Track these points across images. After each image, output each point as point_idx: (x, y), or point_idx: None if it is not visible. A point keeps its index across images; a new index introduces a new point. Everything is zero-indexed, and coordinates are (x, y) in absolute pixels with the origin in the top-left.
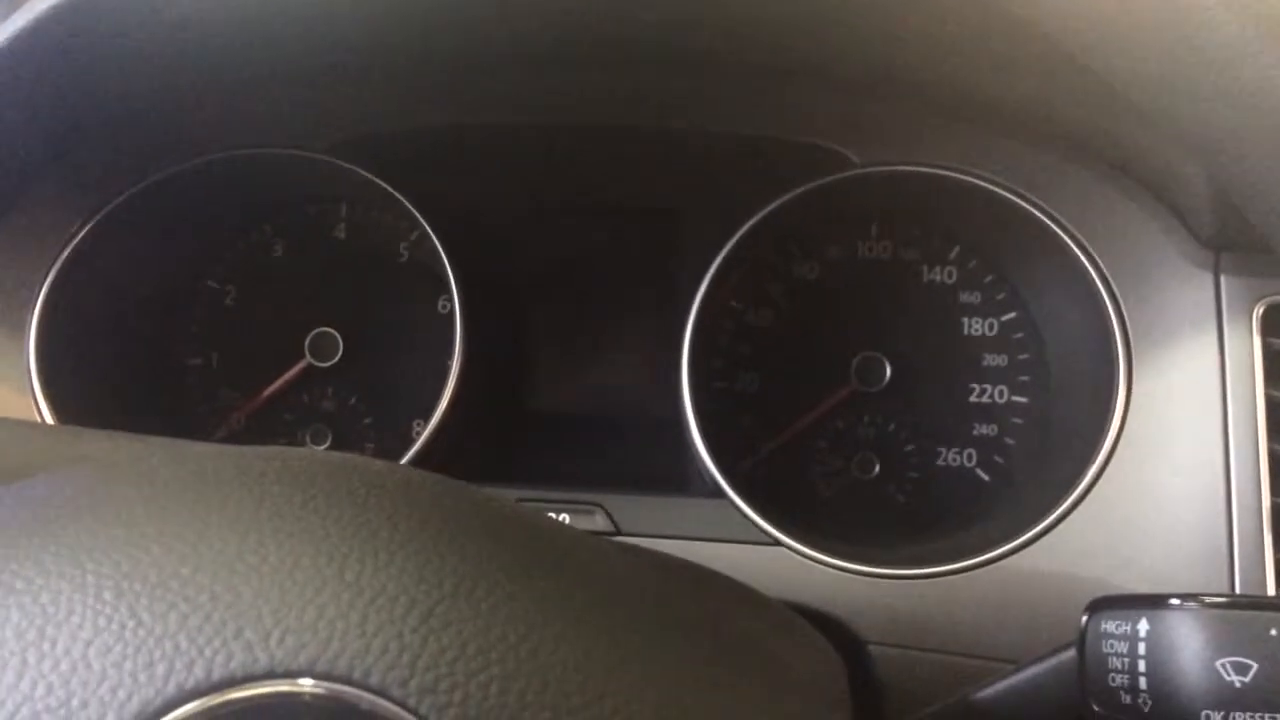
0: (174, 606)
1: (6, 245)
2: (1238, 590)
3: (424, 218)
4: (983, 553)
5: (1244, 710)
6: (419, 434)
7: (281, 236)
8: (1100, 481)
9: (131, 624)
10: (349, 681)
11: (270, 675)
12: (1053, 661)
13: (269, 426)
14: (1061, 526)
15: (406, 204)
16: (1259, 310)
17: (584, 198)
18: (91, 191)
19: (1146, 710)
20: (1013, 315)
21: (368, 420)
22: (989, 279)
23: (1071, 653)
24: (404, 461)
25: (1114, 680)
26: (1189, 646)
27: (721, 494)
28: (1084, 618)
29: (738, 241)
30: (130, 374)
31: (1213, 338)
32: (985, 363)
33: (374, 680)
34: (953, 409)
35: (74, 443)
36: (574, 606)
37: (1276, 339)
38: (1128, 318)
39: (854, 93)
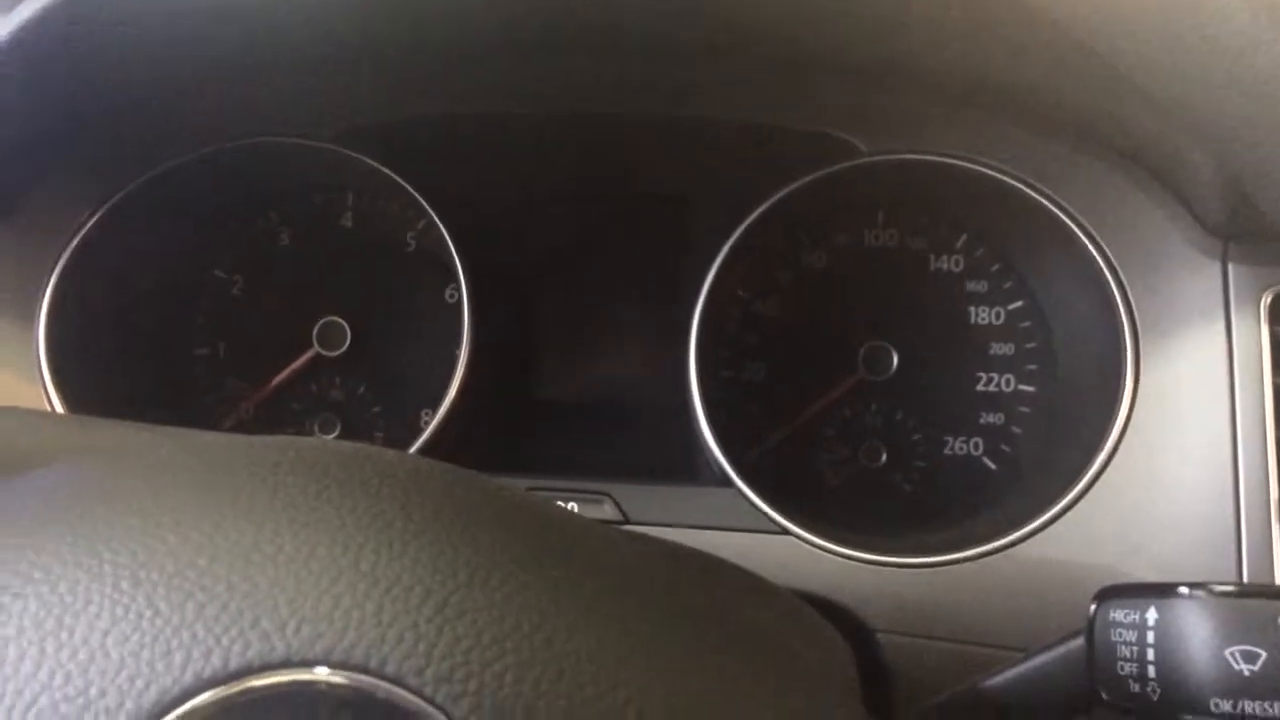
0: (191, 596)
1: (16, 236)
2: (1245, 579)
3: (431, 207)
4: (990, 541)
5: (1253, 698)
6: (427, 423)
7: (288, 226)
8: (1108, 470)
9: (149, 613)
10: (365, 670)
11: (287, 664)
12: (1061, 650)
13: (277, 416)
14: (1069, 515)
15: (413, 193)
16: (1267, 299)
17: (591, 186)
18: (99, 182)
19: (1155, 698)
20: (1020, 304)
21: (376, 409)
22: (996, 267)
23: (1080, 641)
24: (413, 451)
25: (1123, 669)
26: (1197, 635)
27: (729, 483)
28: (1092, 606)
29: (745, 230)
30: (138, 363)
31: (1220, 326)
32: (992, 351)
33: (390, 669)
34: (960, 398)
35: (87, 432)
36: (586, 595)
37: None
38: (1135, 306)
39: (861, 81)
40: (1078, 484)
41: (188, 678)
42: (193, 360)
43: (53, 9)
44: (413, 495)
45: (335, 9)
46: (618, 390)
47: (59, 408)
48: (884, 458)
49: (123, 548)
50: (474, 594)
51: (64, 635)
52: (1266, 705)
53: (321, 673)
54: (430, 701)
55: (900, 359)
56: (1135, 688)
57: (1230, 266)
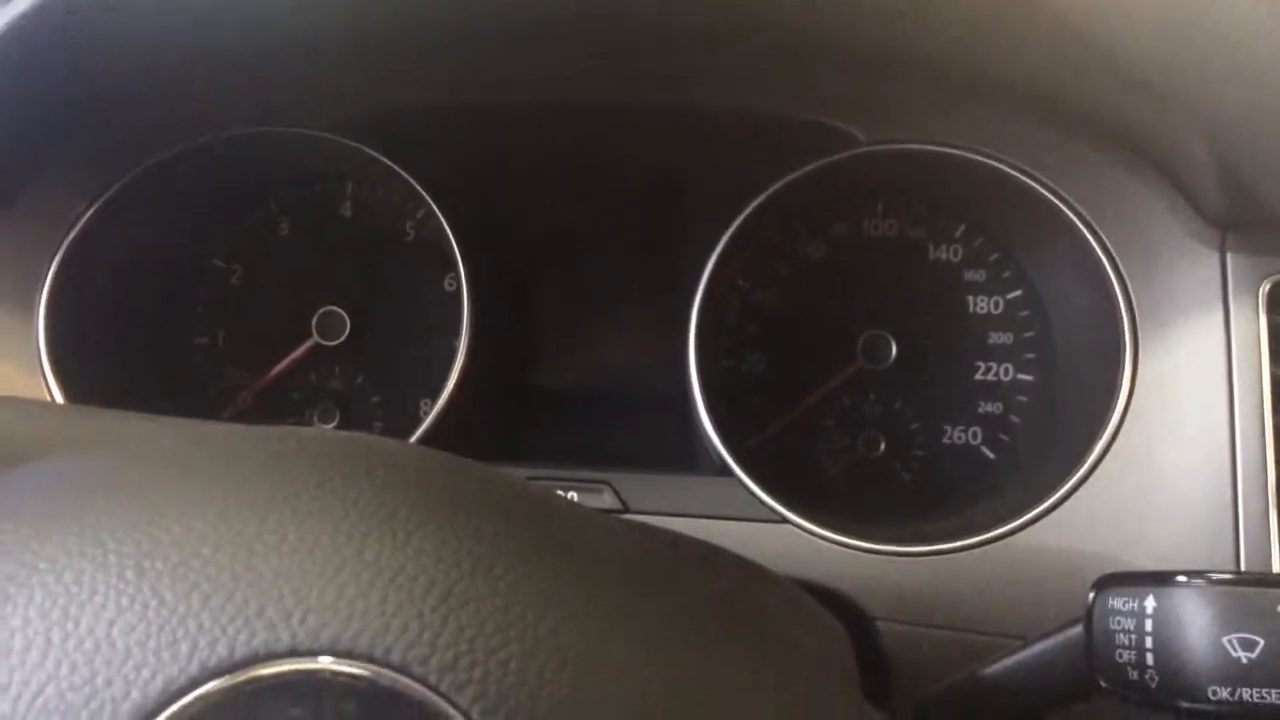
0: (196, 586)
1: (15, 227)
2: (1242, 566)
3: (430, 196)
4: (989, 530)
5: (1250, 686)
6: (427, 413)
7: (287, 215)
8: (1106, 459)
9: (154, 603)
10: (370, 659)
11: (292, 653)
12: (1060, 638)
13: (276, 405)
14: (1068, 504)
15: (412, 182)
16: (1265, 288)
17: (590, 176)
18: (98, 173)
19: (1153, 686)
20: (1018, 293)
21: (375, 399)
22: (994, 257)
23: (1078, 629)
24: (412, 440)
25: (1121, 656)
26: (1196, 623)
27: (729, 472)
28: (1091, 595)
29: (744, 220)
30: (138, 353)
31: (1218, 315)
32: (991, 341)
33: (395, 658)
34: (958, 387)
35: (89, 423)
36: (588, 585)
37: None
38: (1134, 295)
39: (860, 71)
40: (1076, 473)
41: (194, 667)
42: (192, 350)
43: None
44: (416, 485)
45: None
46: (617, 379)
47: (59, 398)
48: (883, 447)
49: (127, 538)
50: (477, 583)
51: (70, 625)
52: (1264, 692)
53: (326, 662)
54: (435, 690)
55: (899, 348)
56: (1134, 675)
57: (1228, 256)
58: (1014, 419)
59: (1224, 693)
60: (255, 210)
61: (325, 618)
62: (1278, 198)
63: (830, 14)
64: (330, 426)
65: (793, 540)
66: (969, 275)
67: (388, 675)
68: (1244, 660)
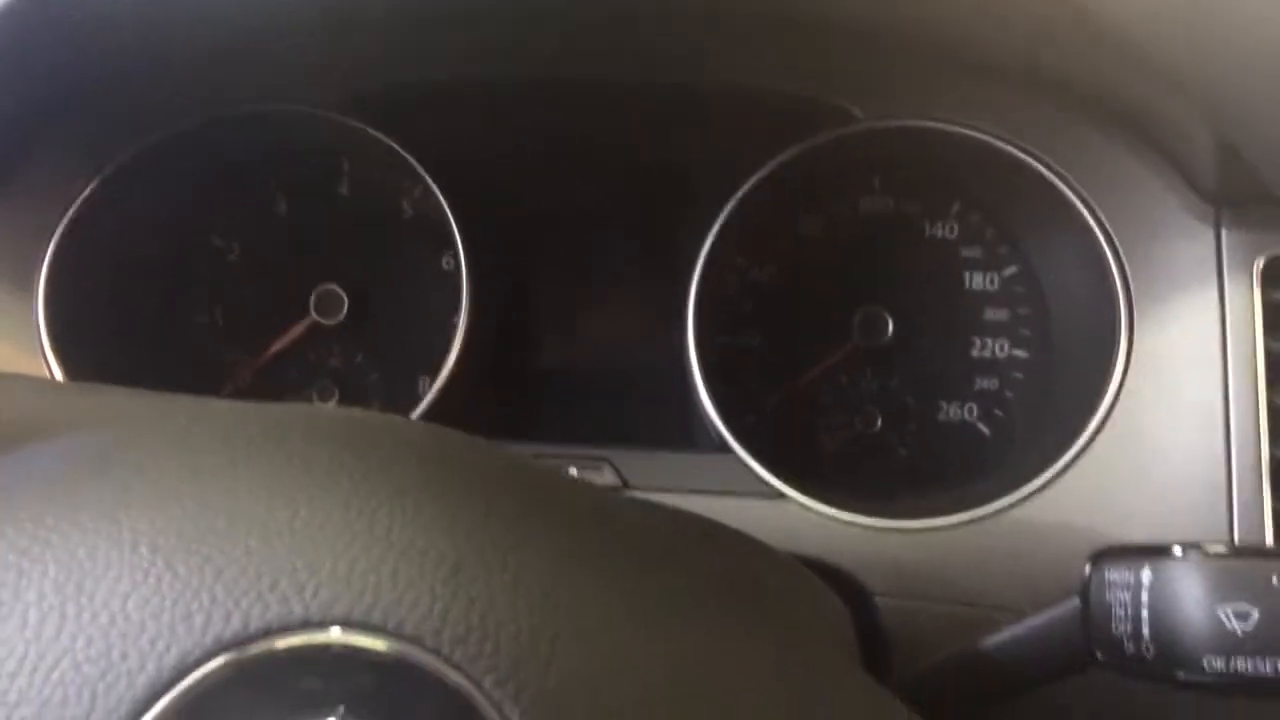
0: (209, 560)
1: (12, 207)
2: (1236, 540)
3: (428, 173)
4: (985, 504)
5: (1245, 655)
6: (425, 391)
7: (284, 193)
8: (1102, 434)
9: (168, 577)
10: (383, 632)
11: (306, 626)
12: (1057, 611)
13: (275, 384)
14: (1064, 478)
15: (410, 159)
16: (1259, 264)
17: (588, 154)
18: (95, 152)
19: (1149, 657)
20: (1014, 270)
21: (374, 377)
22: (990, 233)
23: (1075, 602)
24: (413, 417)
25: (1117, 628)
26: (1191, 595)
27: (727, 449)
28: (1087, 568)
29: (742, 196)
30: (137, 332)
31: (1213, 291)
32: (987, 317)
33: (407, 630)
34: (954, 363)
35: (98, 400)
36: (595, 559)
37: (1277, 292)
38: (1129, 272)
39: (857, 48)
40: (1071, 448)
41: (208, 640)
42: (190, 328)
43: None
44: (425, 461)
45: None
46: (616, 357)
47: (60, 378)
48: (879, 423)
49: (140, 513)
50: (487, 557)
51: (84, 599)
52: (1258, 662)
53: (339, 634)
54: (448, 661)
55: (896, 325)
56: (1130, 647)
57: (1224, 232)
58: (1009, 395)
59: (1219, 663)
60: (252, 189)
61: (337, 591)
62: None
63: None
64: (329, 404)
65: (791, 516)
66: (965, 252)
67: (400, 647)
68: (1239, 631)
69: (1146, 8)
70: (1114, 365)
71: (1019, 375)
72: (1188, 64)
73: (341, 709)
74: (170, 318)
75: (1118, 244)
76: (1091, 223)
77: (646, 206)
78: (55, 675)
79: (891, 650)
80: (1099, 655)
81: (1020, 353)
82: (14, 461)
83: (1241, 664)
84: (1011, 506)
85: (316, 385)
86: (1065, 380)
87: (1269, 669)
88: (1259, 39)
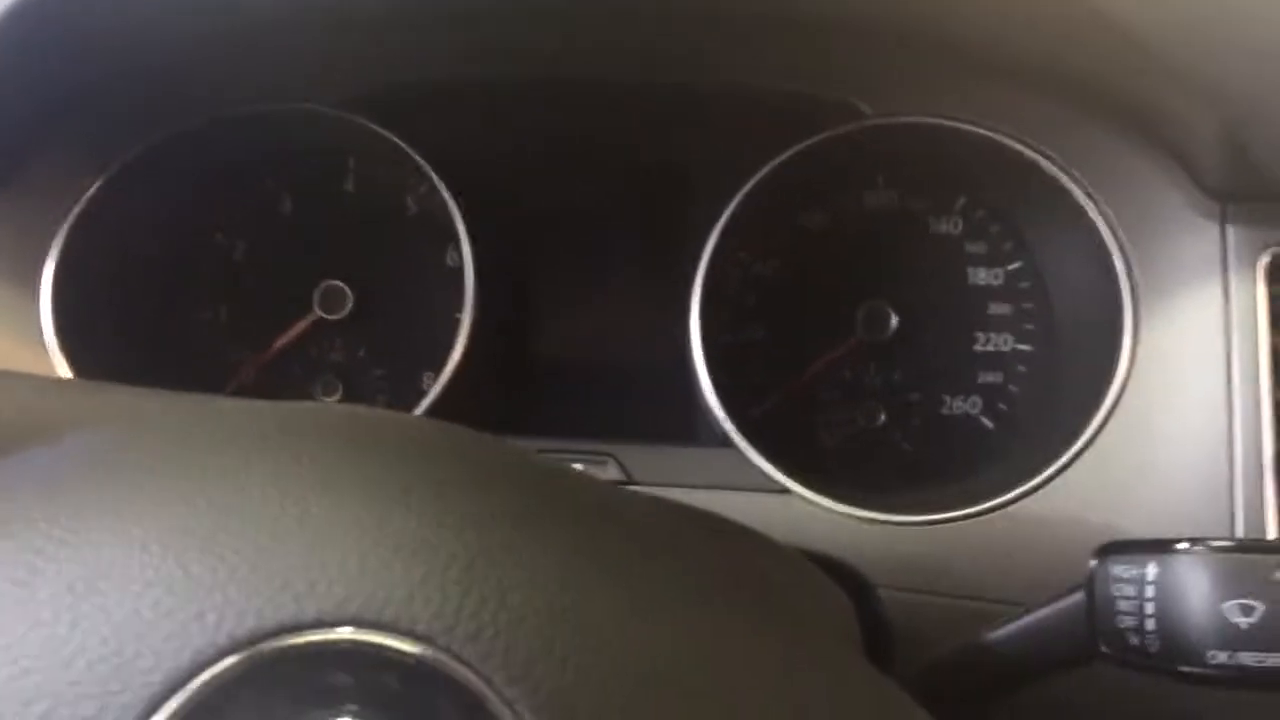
0: (222, 559)
1: (20, 204)
2: (1240, 534)
3: (432, 170)
4: (989, 499)
5: (1249, 650)
6: (429, 387)
7: (288, 190)
8: (1105, 429)
9: (180, 575)
10: (395, 630)
11: (318, 624)
12: (1061, 604)
13: (279, 380)
14: (1067, 473)
15: (415, 156)
16: (1264, 260)
17: (593, 151)
18: (100, 150)
19: (1154, 650)
20: (1018, 265)
21: (378, 373)
22: (995, 228)
23: (1080, 596)
24: (418, 414)
25: (1122, 622)
26: (1196, 589)
27: (730, 443)
28: (1093, 562)
29: (748, 192)
30: (142, 329)
31: (1218, 287)
32: (991, 311)
33: (420, 628)
34: (958, 358)
35: (106, 398)
36: (605, 555)
37: None
38: (1134, 267)
39: (864, 45)
40: (1075, 442)
41: (221, 638)
42: (195, 325)
43: None
44: (434, 458)
45: None
46: (619, 352)
47: (66, 374)
48: (883, 417)
49: (151, 512)
50: (498, 556)
51: (96, 598)
52: (1262, 656)
53: (351, 632)
54: (458, 658)
55: (899, 320)
56: (1135, 640)
57: (1228, 228)
58: (1013, 389)
59: (1223, 656)
60: (257, 187)
61: (349, 589)
62: None
63: None
64: (333, 400)
65: (795, 510)
66: (969, 247)
67: (412, 646)
68: (1243, 625)
69: (1154, 5)
70: (1118, 360)
71: (1023, 369)
72: (1194, 60)
73: (354, 708)
74: (175, 315)
75: (1122, 239)
76: (1096, 218)
77: (650, 203)
78: (69, 674)
79: (895, 643)
80: (1104, 648)
81: (1024, 347)
82: (24, 461)
83: (1245, 658)
84: (1015, 501)
85: (320, 381)
86: (1069, 375)
87: (1273, 662)
88: (1266, 35)
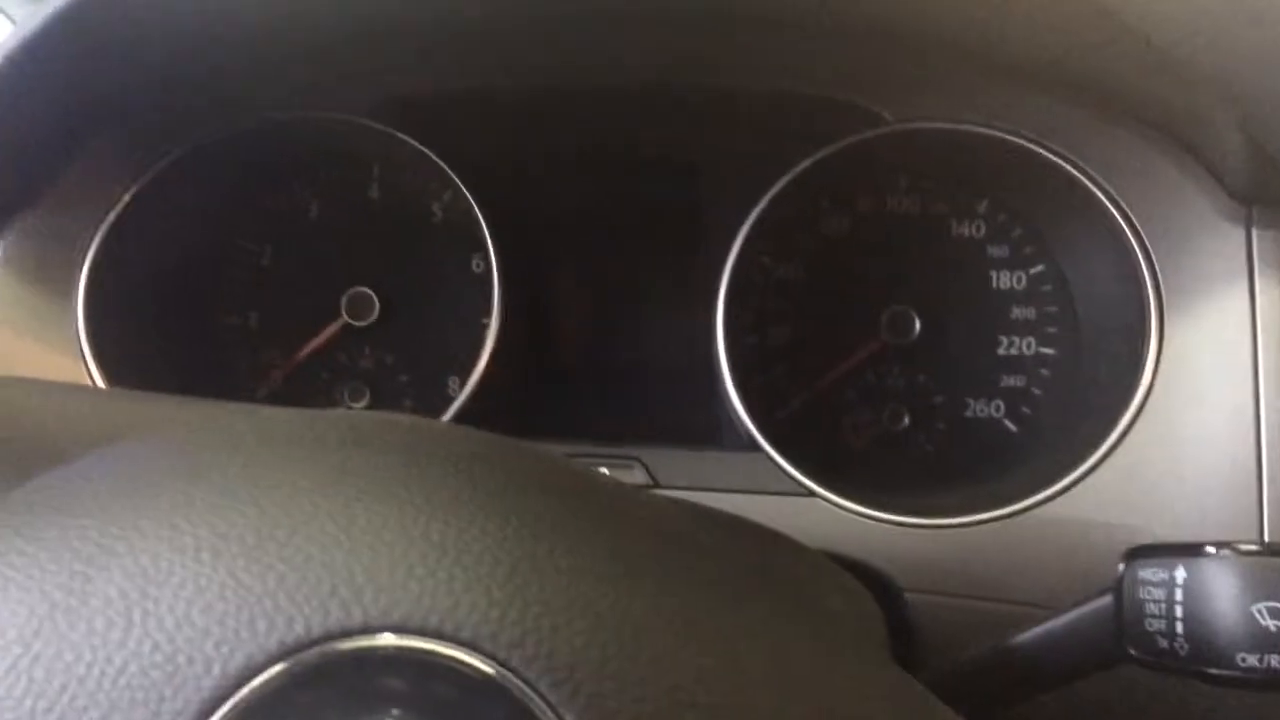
0: (271, 567)
1: (54, 211)
2: (1266, 538)
3: (457, 177)
4: (1015, 502)
5: (1278, 653)
6: (455, 392)
7: (316, 197)
8: (1132, 432)
9: (231, 583)
10: (440, 636)
11: (366, 630)
12: (1088, 607)
13: (307, 385)
14: (1093, 476)
15: (440, 163)
16: None
17: (615, 156)
18: (133, 159)
19: (1183, 654)
20: (1041, 268)
21: (404, 378)
22: (1018, 232)
23: (1108, 599)
24: (445, 420)
25: (1151, 625)
26: (1225, 593)
27: (756, 447)
28: (1121, 565)
29: (772, 198)
30: (173, 335)
31: (1244, 291)
32: (1014, 315)
33: (465, 634)
34: (981, 361)
35: (148, 408)
36: (643, 560)
37: None
38: (1159, 271)
39: (887, 51)
40: (1102, 445)
41: (271, 644)
42: (225, 330)
43: None
44: (474, 466)
45: None
46: (645, 357)
47: (99, 380)
48: (907, 420)
49: (202, 521)
50: (540, 562)
51: (150, 605)
52: None
53: (396, 639)
54: (504, 665)
55: (922, 323)
56: (1164, 644)
57: (1254, 232)
58: (1037, 392)
59: (1252, 659)
60: (285, 194)
61: (396, 596)
62: None
63: None
64: (360, 406)
65: (820, 513)
66: (992, 251)
67: (457, 652)
68: (1272, 628)
69: (1174, 7)
70: (1144, 364)
71: (1046, 373)
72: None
73: (401, 713)
74: (205, 321)
75: (1148, 244)
76: (1121, 223)
77: (673, 209)
78: (122, 680)
79: (922, 646)
80: (1132, 652)
81: (1048, 350)
82: (74, 471)
83: (1275, 661)
84: (1041, 504)
85: (348, 386)
86: (1094, 378)
87: None
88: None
